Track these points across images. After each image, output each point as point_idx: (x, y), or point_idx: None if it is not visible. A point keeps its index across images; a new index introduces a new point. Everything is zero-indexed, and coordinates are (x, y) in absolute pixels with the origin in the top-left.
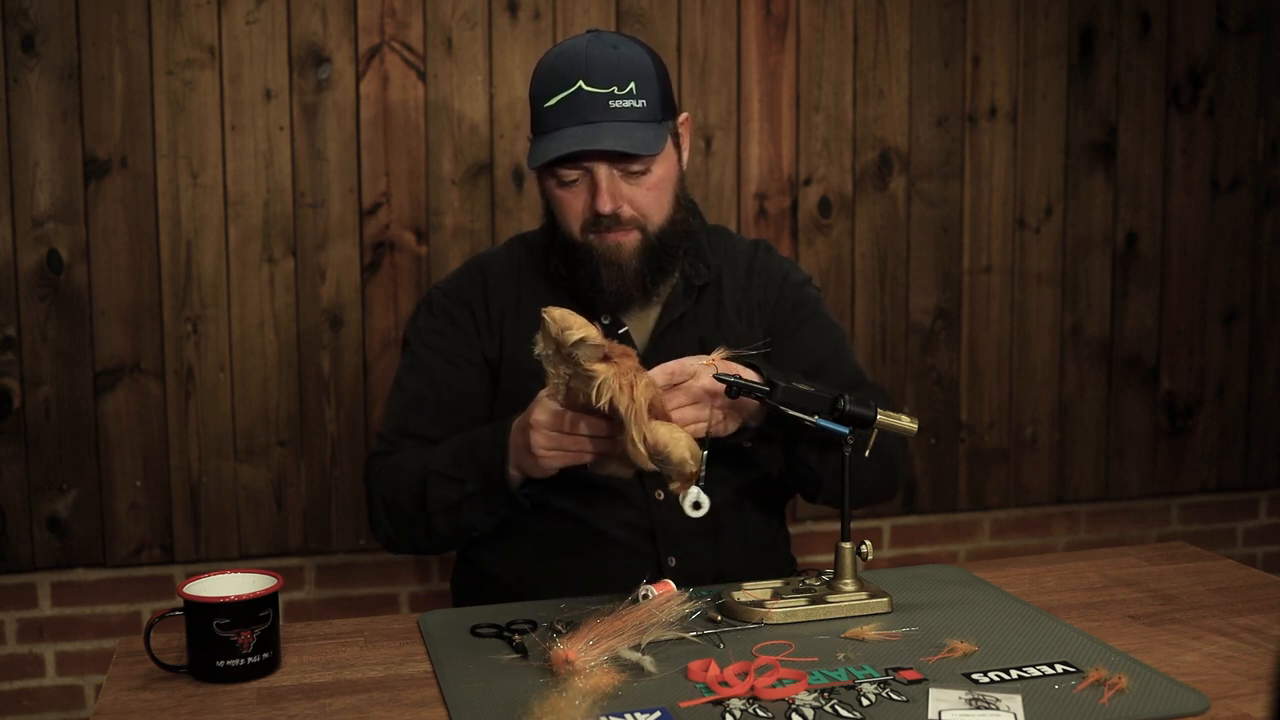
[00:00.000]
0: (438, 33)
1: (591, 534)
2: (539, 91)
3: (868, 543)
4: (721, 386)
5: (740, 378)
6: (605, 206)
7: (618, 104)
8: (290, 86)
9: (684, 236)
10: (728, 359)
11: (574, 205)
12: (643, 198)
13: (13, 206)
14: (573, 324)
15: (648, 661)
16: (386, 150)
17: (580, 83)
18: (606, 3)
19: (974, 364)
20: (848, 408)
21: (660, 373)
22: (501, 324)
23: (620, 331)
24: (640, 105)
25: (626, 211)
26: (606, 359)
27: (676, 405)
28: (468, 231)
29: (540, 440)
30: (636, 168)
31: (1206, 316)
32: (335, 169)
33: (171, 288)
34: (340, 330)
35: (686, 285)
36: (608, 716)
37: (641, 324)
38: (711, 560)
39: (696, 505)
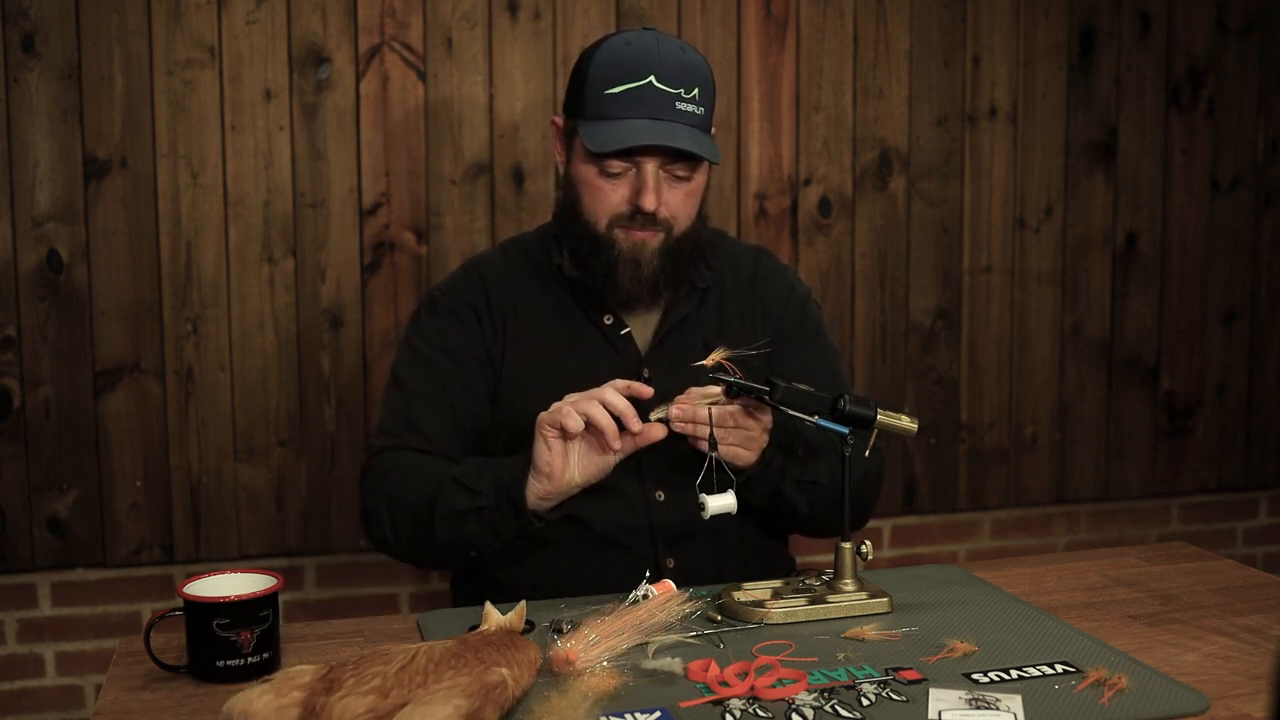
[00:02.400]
0: (438, 33)
1: (591, 535)
2: (602, 76)
3: (868, 543)
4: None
5: (740, 378)
6: (651, 204)
7: (683, 106)
8: (290, 86)
9: (697, 245)
10: (728, 359)
11: (610, 197)
12: (679, 202)
13: (13, 206)
14: None
15: (665, 662)
16: (386, 150)
17: (652, 77)
18: (606, 3)
19: (974, 364)
20: (848, 408)
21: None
22: (505, 325)
23: (622, 333)
24: (700, 112)
25: (662, 212)
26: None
27: (731, 442)
28: (468, 231)
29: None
30: (682, 173)
31: (1206, 316)
32: (335, 169)
33: (171, 288)
34: (340, 330)
35: (690, 288)
36: (608, 716)
37: (644, 325)
38: (710, 562)
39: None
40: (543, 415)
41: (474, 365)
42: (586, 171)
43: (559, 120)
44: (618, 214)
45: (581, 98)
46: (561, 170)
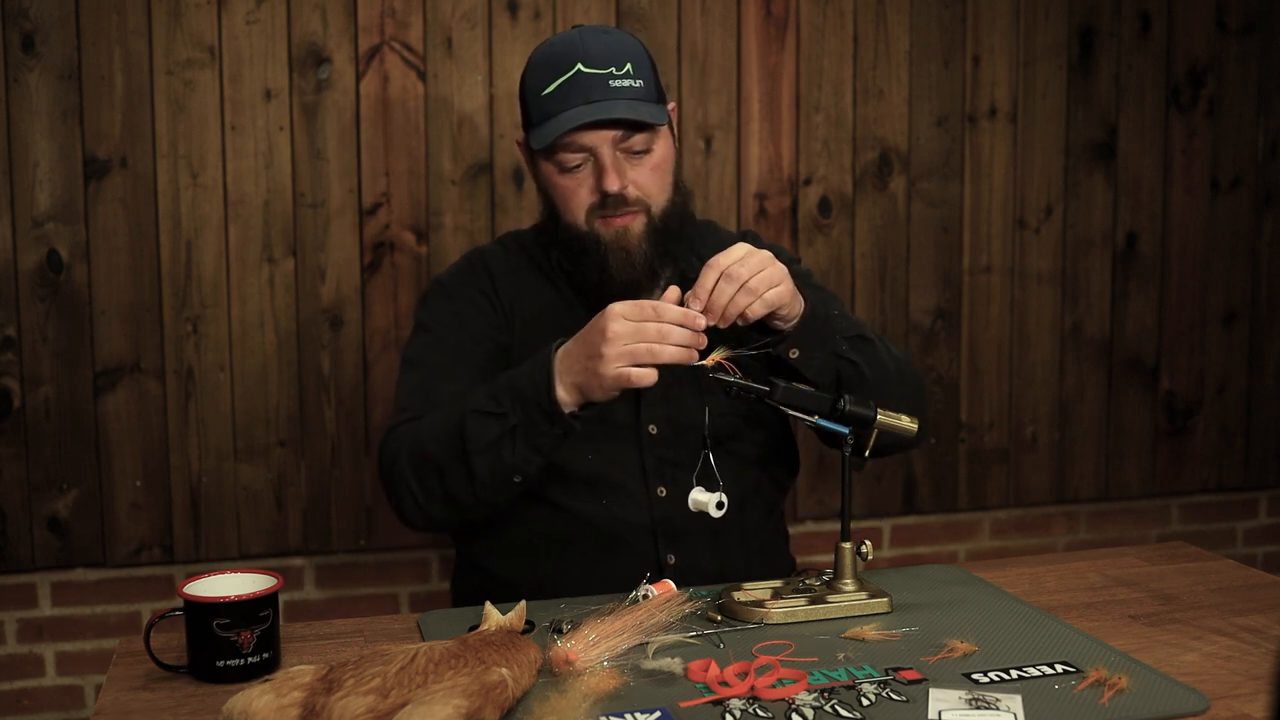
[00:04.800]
0: (438, 32)
1: (592, 532)
2: (535, 82)
3: (868, 543)
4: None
5: (740, 378)
6: (613, 185)
7: (617, 83)
8: (290, 86)
9: (683, 218)
10: (728, 358)
11: (578, 192)
12: (646, 178)
13: (13, 206)
14: None
15: (665, 662)
16: (386, 150)
17: (579, 65)
18: (606, 3)
19: (974, 364)
20: (847, 408)
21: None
22: (511, 315)
23: None
24: (638, 85)
25: (632, 192)
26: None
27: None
28: (468, 231)
29: (617, 328)
30: (640, 147)
31: (1206, 316)
32: (335, 169)
33: (171, 288)
34: (340, 330)
35: (681, 278)
36: (608, 716)
37: None
38: (711, 559)
39: (720, 505)
40: (605, 371)
41: (490, 347)
42: (549, 175)
43: (520, 139)
44: (590, 206)
45: (526, 109)
46: (535, 185)
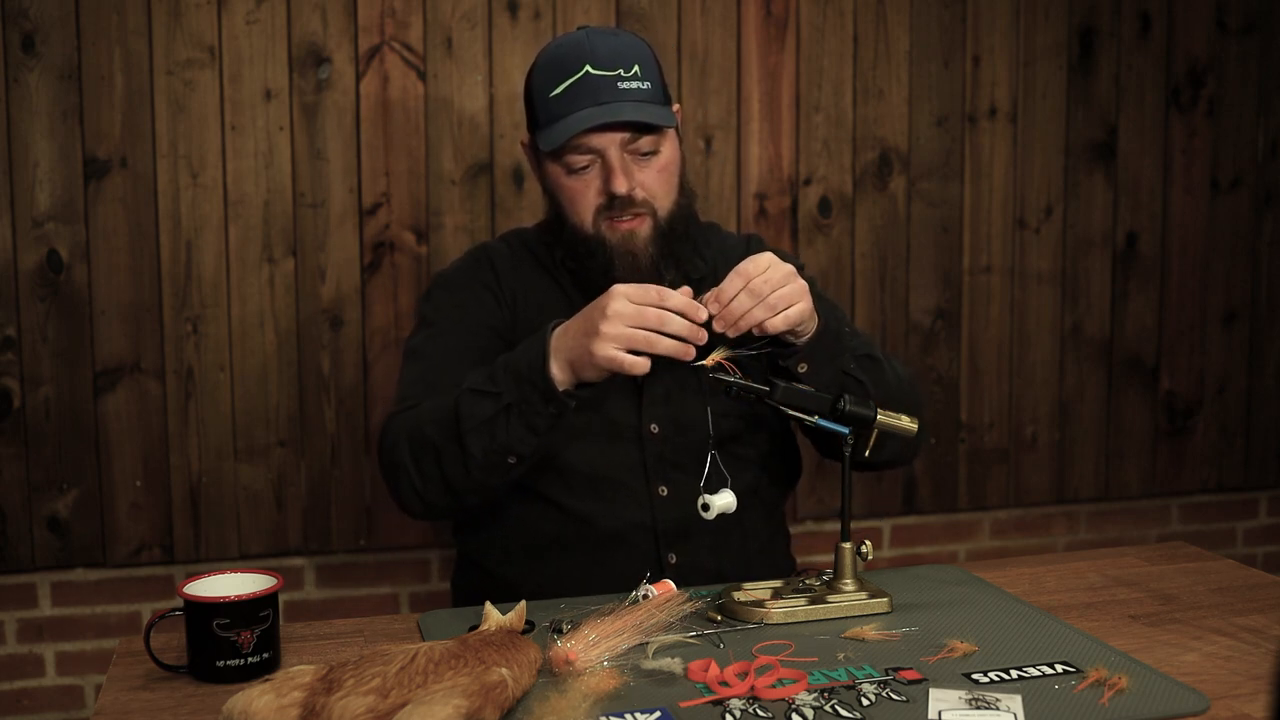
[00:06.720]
0: (438, 32)
1: (593, 531)
2: (542, 83)
3: (868, 543)
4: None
5: (740, 378)
6: (621, 186)
7: (626, 85)
8: (290, 86)
9: (688, 220)
10: (728, 358)
11: (585, 194)
12: (653, 180)
13: (13, 206)
14: None
15: (665, 662)
16: (386, 150)
17: (587, 67)
18: (606, 3)
19: (974, 364)
20: (847, 408)
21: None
22: (515, 309)
23: None
24: (646, 87)
25: (639, 194)
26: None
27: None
28: (468, 231)
29: (618, 307)
30: (647, 149)
31: (1206, 316)
32: (335, 169)
33: (171, 288)
34: (340, 330)
35: (685, 280)
36: (608, 716)
37: None
38: (711, 559)
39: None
40: (598, 350)
41: (493, 338)
42: (556, 176)
43: (525, 140)
44: (597, 208)
45: (533, 111)
46: (541, 186)
